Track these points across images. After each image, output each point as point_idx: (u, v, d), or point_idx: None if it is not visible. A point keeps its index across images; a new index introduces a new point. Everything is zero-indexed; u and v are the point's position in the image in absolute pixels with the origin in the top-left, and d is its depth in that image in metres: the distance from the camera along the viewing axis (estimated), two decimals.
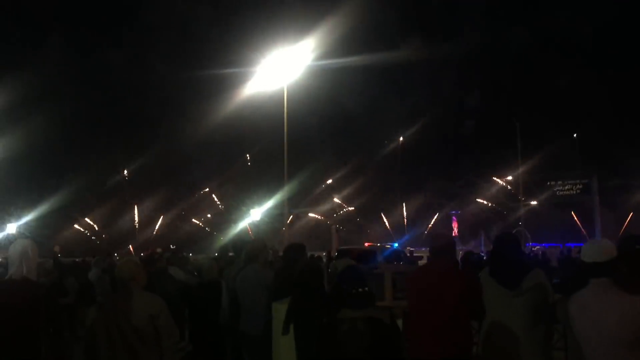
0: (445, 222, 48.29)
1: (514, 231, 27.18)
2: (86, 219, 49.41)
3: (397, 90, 49.58)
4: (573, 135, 43.46)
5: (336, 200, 50.91)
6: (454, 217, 51.06)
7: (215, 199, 51.96)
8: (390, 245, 25.39)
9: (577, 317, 3.34)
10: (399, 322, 4.61)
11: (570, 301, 3.40)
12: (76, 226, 47.80)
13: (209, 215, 52.09)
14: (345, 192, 50.54)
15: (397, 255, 18.87)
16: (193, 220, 51.73)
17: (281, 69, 20.81)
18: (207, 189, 51.69)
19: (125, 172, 49.31)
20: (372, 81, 46.79)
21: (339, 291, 3.76)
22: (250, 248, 6.85)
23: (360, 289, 3.60)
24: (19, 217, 26.53)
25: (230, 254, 8.51)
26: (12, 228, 25.64)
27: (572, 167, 41.11)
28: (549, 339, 4.16)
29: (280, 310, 4.82)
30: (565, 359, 3.76)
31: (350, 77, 38.91)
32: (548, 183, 38.16)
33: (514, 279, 4.11)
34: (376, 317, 3.51)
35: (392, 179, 52.01)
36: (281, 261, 6.38)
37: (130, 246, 42.00)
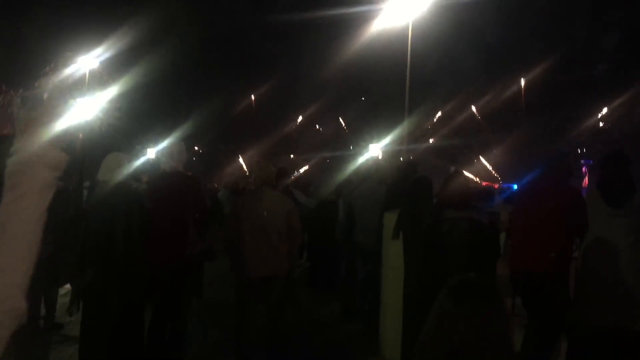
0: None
1: None
2: (196, 148, 52.07)
3: (525, 27, 46.41)
4: None
5: (452, 141, 49.84)
6: (584, 167, 48.29)
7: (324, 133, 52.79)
8: (509, 186, 24.72)
9: None
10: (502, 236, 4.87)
11: None
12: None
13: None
14: (462, 132, 49.30)
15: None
16: (302, 157, 52.98)
17: (406, 4, 20.47)
18: (320, 128, 52.71)
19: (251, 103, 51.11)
20: (498, 17, 44.33)
21: (444, 196, 4.09)
22: (365, 167, 7.39)
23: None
24: (156, 143, 28.38)
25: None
26: (151, 153, 27.74)
27: None
28: None
29: (390, 219, 5.19)
30: None
31: (476, 13, 37.27)
32: None
33: (620, 198, 4.14)
34: (476, 219, 3.82)
35: (514, 120, 49.88)
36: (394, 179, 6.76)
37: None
